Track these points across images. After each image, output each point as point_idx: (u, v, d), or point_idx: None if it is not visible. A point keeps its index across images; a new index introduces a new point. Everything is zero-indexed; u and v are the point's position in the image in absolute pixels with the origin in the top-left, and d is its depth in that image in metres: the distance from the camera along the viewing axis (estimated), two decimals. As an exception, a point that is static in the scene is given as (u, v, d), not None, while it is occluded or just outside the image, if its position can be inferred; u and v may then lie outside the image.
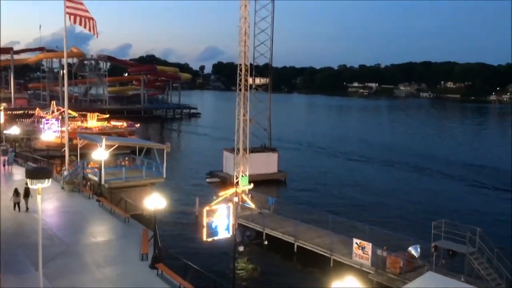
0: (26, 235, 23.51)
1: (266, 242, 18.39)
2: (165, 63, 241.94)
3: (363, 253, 22.87)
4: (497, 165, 58.29)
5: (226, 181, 43.87)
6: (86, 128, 58.40)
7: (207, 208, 16.39)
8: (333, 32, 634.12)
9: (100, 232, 25.21)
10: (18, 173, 35.71)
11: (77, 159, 35.47)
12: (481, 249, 20.72)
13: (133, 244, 23.26)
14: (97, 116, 63.72)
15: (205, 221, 15.83)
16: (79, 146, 34.84)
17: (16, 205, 27.17)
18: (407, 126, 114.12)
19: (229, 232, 16.32)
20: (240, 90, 31.70)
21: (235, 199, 16.84)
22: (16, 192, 27.13)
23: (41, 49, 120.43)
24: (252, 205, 25.39)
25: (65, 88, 33.20)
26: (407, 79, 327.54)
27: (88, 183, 32.70)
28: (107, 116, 70.32)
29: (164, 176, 33.08)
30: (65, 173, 32.63)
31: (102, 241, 23.85)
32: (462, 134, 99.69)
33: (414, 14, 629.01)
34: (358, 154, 63.31)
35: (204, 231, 15.97)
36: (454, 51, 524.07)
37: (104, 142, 30.02)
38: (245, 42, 30.85)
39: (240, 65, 31.50)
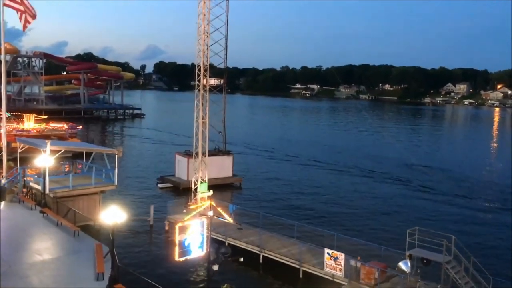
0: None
1: (242, 259, 16.89)
2: (104, 61, 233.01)
3: (336, 263, 21.83)
4: (440, 166, 60.09)
5: (179, 187, 41.89)
6: (23, 130, 54.07)
7: (179, 224, 14.60)
8: (276, 33, 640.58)
9: (47, 248, 22.53)
10: None
11: (15, 165, 32.16)
12: (456, 257, 20.24)
13: (85, 262, 20.89)
14: (35, 117, 59.25)
15: (177, 238, 14.03)
16: (18, 151, 31.56)
17: None
18: (352, 128, 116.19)
19: (203, 250, 14.61)
20: (199, 91, 29.79)
21: (210, 213, 15.30)
22: None
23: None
24: (229, 220, 23.69)
25: (3, 87, 29.91)
26: (347, 81, 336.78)
27: (30, 192, 29.60)
28: (45, 117, 65.89)
29: (116, 183, 30.61)
30: (3, 180, 29.36)
31: (50, 259, 21.25)
32: (405, 136, 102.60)
33: (352, 17, 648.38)
34: (308, 157, 62.99)
35: (176, 250, 14.19)
36: (391, 55, 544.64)
37: (48, 147, 27.18)
38: (204, 40, 29.04)
39: (199, 65, 29.60)
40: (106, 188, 30.68)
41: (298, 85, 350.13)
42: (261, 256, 24.98)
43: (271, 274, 24.16)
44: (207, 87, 29.85)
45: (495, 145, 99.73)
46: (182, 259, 14.69)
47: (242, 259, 16.67)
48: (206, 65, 29.65)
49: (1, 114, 31.61)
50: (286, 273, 23.76)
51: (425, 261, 20.41)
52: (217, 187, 39.35)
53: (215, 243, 16.03)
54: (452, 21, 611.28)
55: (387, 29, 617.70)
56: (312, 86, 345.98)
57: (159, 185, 43.18)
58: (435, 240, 20.43)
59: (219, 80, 42.90)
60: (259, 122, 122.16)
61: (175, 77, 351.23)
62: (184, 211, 27.56)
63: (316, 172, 53.88)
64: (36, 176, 30.22)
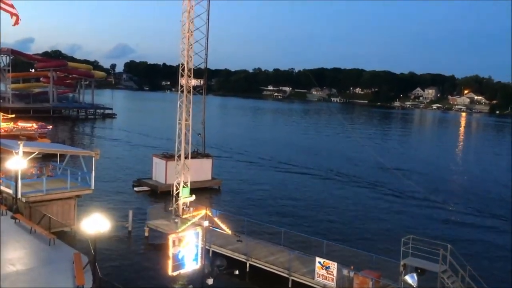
0: None
1: (237, 272, 15.93)
2: (72, 59, 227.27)
3: (327, 273, 21.10)
4: (419, 170, 60.59)
5: (156, 190, 40.54)
6: (-11, 129, 51.44)
7: (173, 235, 13.54)
8: (248, 34, 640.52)
9: (20, 258, 20.97)
10: None
11: (-16, 167, 30.18)
12: (452, 266, 19.80)
13: (63, 273, 19.51)
14: (2, 116, 56.56)
15: (171, 251, 12.97)
16: (-13, 152, 29.63)
17: None
18: (326, 130, 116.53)
19: (197, 263, 13.59)
20: (182, 92, 28.61)
21: (205, 223, 14.29)
22: None
23: None
24: (226, 230, 22.58)
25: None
26: (319, 84, 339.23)
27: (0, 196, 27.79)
28: (13, 116, 63.13)
29: (93, 187, 29.08)
30: (-30, 184, 27.48)
31: (24, 270, 19.74)
32: (380, 138, 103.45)
33: (324, 20, 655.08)
34: (284, 160, 62.31)
35: (170, 263, 13.12)
36: (362, 59, 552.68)
37: (21, 149, 25.51)
38: (188, 39, 27.91)
39: (182, 64, 28.43)
40: (82, 192, 29.14)
41: (270, 87, 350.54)
42: (247, 265, 24.04)
43: (258, 284, 23.25)
44: (191, 88, 28.72)
45: (464, 148, 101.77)
46: (176, 273, 13.63)
47: (237, 272, 15.72)
48: (190, 65, 28.50)
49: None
50: (274, 282, 22.92)
51: (419, 270, 19.90)
52: (196, 190, 38.18)
53: (209, 256, 15.09)
54: (420, 26, 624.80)
55: (358, 32, 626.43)
56: (284, 88, 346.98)
57: (136, 189, 41.67)
58: (429, 248, 19.95)
59: (199, 81, 41.68)
60: (232, 124, 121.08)
61: (145, 76, 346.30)
62: (176, 220, 26.32)
63: (293, 176, 53.19)
64: (6, 179, 28.39)
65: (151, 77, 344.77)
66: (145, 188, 41.46)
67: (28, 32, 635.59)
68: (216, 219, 20.89)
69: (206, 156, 43.82)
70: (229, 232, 23.37)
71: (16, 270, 19.55)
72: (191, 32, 28.11)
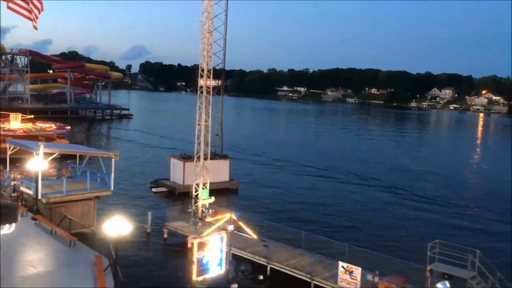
0: None
1: (261, 277, 15.58)
2: (89, 60, 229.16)
3: (351, 278, 20.62)
4: (441, 172, 59.60)
5: (174, 191, 40.43)
6: (9, 130, 51.91)
7: (198, 240, 13.24)
8: (263, 35, 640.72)
9: (41, 260, 20.86)
10: None
11: (4, 168, 30.33)
12: (480, 273, 19.19)
13: (83, 275, 19.30)
14: (21, 116, 57.07)
15: (195, 256, 12.67)
16: (8, 153, 29.75)
17: None
18: (343, 132, 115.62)
19: (221, 268, 13.28)
20: (201, 92, 28.36)
21: (230, 227, 13.98)
22: None
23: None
24: (252, 235, 22.23)
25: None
26: (334, 85, 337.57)
27: (20, 197, 27.83)
28: (31, 116, 63.64)
29: (112, 188, 28.99)
30: (-9, 185, 27.60)
31: (45, 272, 19.61)
32: (399, 140, 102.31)
33: (339, 21, 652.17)
34: (301, 161, 61.77)
35: (194, 268, 12.82)
36: (377, 59, 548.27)
37: (42, 150, 25.50)
38: (207, 39, 27.65)
39: (202, 65, 28.18)
40: (101, 194, 29.06)
41: (285, 88, 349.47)
42: (268, 268, 23.63)
43: (277, 286, 22.84)
44: (210, 89, 28.46)
45: (482, 149, 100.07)
46: (200, 278, 13.33)
47: (261, 277, 15.36)
48: (210, 65, 28.24)
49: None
50: (296, 286, 22.49)
51: (446, 276, 19.34)
52: (214, 191, 37.91)
53: (234, 260, 14.77)
54: (437, 26, 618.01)
55: (373, 32, 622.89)
56: (299, 88, 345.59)
57: (153, 190, 41.59)
58: (457, 254, 19.36)
59: (217, 82, 41.46)
60: (248, 125, 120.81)
61: (161, 77, 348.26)
62: (200, 224, 26.07)
63: (310, 178, 52.59)
64: (26, 180, 28.43)
65: (166, 77, 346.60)
66: (163, 189, 41.36)
67: (45, 33, 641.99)
68: (241, 223, 20.50)
69: (224, 157, 43.58)
70: (255, 236, 22.89)
71: (37, 272, 19.43)
72: (211, 32, 27.84)
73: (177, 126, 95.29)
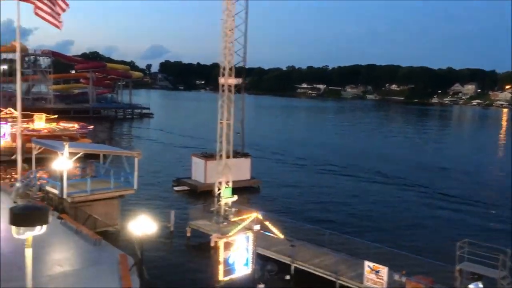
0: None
1: (288, 277, 15.42)
2: (109, 60, 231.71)
3: (377, 277, 20.29)
4: (465, 169, 58.50)
5: (196, 190, 40.53)
6: (33, 130, 52.77)
7: (224, 239, 13.15)
8: (282, 32, 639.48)
9: (67, 258, 21.07)
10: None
11: (30, 167, 30.78)
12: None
13: (109, 274, 19.39)
14: (45, 116, 57.97)
15: (221, 256, 12.57)
16: (34, 153, 30.17)
17: None
18: (365, 129, 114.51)
19: (248, 268, 13.15)
20: (223, 91, 28.30)
21: (256, 226, 13.88)
22: None
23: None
24: (278, 234, 22.09)
25: (18, 86, 28.55)
26: (353, 81, 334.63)
27: (46, 196, 28.18)
28: (55, 116, 64.59)
29: (135, 187, 29.16)
30: (18, 184, 27.97)
31: (71, 271, 19.80)
32: (422, 137, 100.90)
33: (358, 17, 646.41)
34: (322, 159, 61.41)
35: (221, 268, 12.72)
36: (397, 55, 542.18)
37: (67, 150, 25.77)
38: (229, 37, 27.54)
39: (224, 63, 28.10)
40: (125, 193, 29.27)
41: (304, 85, 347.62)
42: (292, 267, 23.41)
43: (301, 286, 22.61)
44: (232, 87, 28.37)
45: (507, 146, 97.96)
46: (227, 278, 13.24)
47: (288, 277, 15.20)
48: (231, 63, 28.14)
49: (12, 114, 30.24)
50: (320, 286, 22.24)
51: (476, 276, 18.88)
52: (235, 190, 37.86)
53: (260, 260, 14.65)
54: (458, 21, 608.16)
55: (394, 29, 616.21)
56: (318, 86, 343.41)
57: (175, 188, 41.78)
58: (487, 254, 18.87)
59: (238, 80, 41.30)
60: (267, 123, 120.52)
61: (180, 76, 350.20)
62: (225, 223, 26.04)
63: (331, 176, 52.18)
64: (51, 179, 28.78)
65: (185, 76, 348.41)
66: (185, 188, 41.51)
67: (67, 34, 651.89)
68: (267, 223, 20.35)
69: (245, 155, 43.46)
70: (281, 236, 22.68)
71: (63, 271, 19.62)
72: (232, 30, 27.73)
73: (197, 124, 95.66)
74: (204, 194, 37.70)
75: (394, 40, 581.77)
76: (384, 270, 20.11)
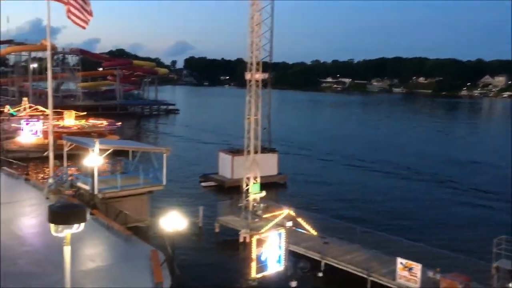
0: (6, 258, 19.67)
1: (321, 274, 15.21)
2: (135, 57, 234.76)
3: (410, 274, 19.88)
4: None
5: (223, 185, 40.59)
6: (63, 127, 53.76)
7: (257, 236, 13.02)
8: (306, 26, 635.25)
9: (99, 254, 21.38)
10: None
11: (61, 164, 31.33)
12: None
13: (141, 270, 19.54)
14: (75, 114, 59.00)
15: (254, 253, 12.44)
16: (65, 149, 30.68)
17: None
18: (394, 123, 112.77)
19: (280, 265, 13.00)
20: (250, 86, 28.16)
21: (289, 223, 13.72)
22: None
23: (9, 42, 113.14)
24: (311, 231, 21.92)
25: (49, 84, 29.07)
26: (379, 75, 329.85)
27: (77, 192, 28.62)
28: (84, 113, 65.66)
29: (164, 183, 29.35)
30: (50, 180, 28.51)
31: (104, 266, 20.07)
32: (453, 131, 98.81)
33: (384, 10, 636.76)
34: (350, 154, 60.60)
35: (253, 265, 12.60)
36: (424, 47, 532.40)
37: (97, 147, 26.10)
38: (256, 32, 27.34)
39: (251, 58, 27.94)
40: (154, 189, 29.51)
41: (329, 79, 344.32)
42: (322, 264, 23.11)
43: (334, 284, 22.34)
44: (260, 82, 28.20)
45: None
46: (260, 275, 13.12)
47: (321, 274, 14.99)
48: (258, 58, 27.96)
49: (44, 112, 30.80)
50: (351, 283, 21.92)
51: (514, 273, 18.29)
52: (262, 185, 37.70)
53: (292, 257, 14.50)
54: (487, 12, 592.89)
55: (420, 20, 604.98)
56: (343, 79, 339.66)
57: (202, 184, 41.95)
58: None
59: (265, 75, 41.07)
60: (292, 118, 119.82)
61: (205, 72, 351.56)
62: (256, 220, 25.99)
63: (359, 171, 51.51)
64: (83, 176, 29.21)
65: (210, 72, 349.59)
66: (212, 183, 41.63)
67: (93, 32, 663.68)
68: (300, 220, 20.14)
69: (272, 150, 43.27)
70: (314, 233, 22.42)
71: (96, 266, 19.90)
72: (259, 24, 27.52)
73: (222, 120, 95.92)
74: (231, 190, 37.68)
75: (421, 32, 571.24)
76: (418, 267, 19.70)
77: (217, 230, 28.85)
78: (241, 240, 26.57)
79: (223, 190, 39.73)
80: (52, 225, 8.69)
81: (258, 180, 28.92)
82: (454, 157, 61.03)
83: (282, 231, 13.21)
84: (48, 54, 30.31)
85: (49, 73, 28.68)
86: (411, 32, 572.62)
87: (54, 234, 9.00)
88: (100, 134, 52.83)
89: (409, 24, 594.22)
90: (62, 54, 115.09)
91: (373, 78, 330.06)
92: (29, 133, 49.49)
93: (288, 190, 42.03)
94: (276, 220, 21.24)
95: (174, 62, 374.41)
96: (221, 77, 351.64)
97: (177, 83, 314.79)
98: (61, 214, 8.49)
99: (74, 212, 8.61)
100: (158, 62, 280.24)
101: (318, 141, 72.94)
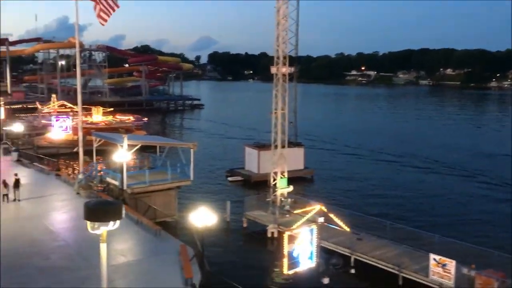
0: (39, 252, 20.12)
1: (353, 271, 15.00)
2: (160, 53, 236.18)
3: (444, 271, 19.42)
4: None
5: (250, 180, 40.54)
6: (91, 123, 54.57)
7: (288, 232, 12.88)
8: (330, 19, 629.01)
9: (130, 248, 21.58)
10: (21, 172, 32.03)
11: (91, 160, 31.78)
12: None
13: (170, 265, 19.67)
14: (102, 110, 59.80)
15: (286, 249, 12.30)
16: (94, 145, 31.09)
17: (5, 197, 26.29)
18: (418, 115, 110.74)
19: (312, 261, 12.82)
20: (277, 80, 27.93)
21: (321, 219, 13.56)
22: (4, 184, 26.02)
23: (37, 39, 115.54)
24: (344, 227, 21.70)
25: (78, 81, 29.46)
26: (405, 67, 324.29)
27: (107, 188, 28.98)
28: (111, 109, 66.49)
29: (192, 178, 29.44)
30: (80, 176, 28.94)
31: (134, 261, 20.26)
32: (484, 123, 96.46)
33: (408, 1, 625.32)
34: (377, 148, 59.67)
35: (285, 262, 12.46)
36: (451, 38, 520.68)
37: (126, 142, 26.32)
38: (282, 25, 27.06)
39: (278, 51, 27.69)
40: (182, 184, 29.68)
41: (354, 72, 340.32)
42: (352, 259, 22.83)
43: (364, 280, 22.02)
44: (286, 76, 27.95)
45: None
46: (291, 271, 12.99)
47: (353, 271, 14.77)
48: (285, 52, 27.69)
49: (73, 109, 31.22)
50: (382, 278, 21.54)
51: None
52: (289, 180, 37.49)
53: (324, 254, 14.30)
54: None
55: (446, 11, 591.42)
56: (368, 72, 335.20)
57: (229, 179, 42.00)
58: None
59: (291, 68, 40.77)
60: (318, 111, 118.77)
61: (228, 66, 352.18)
62: (287, 215, 25.87)
63: (386, 165, 50.74)
64: (112, 171, 29.55)
65: (233, 66, 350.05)
66: (238, 178, 41.62)
67: (119, 29, 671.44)
68: (332, 216, 19.90)
69: (298, 145, 43.01)
70: (347, 229, 22.11)
71: (127, 260, 20.09)
72: (286, 17, 27.23)
73: (247, 115, 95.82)
74: (257, 185, 37.57)
75: (448, 23, 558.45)
76: (452, 264, 19.22)
77: (244, 225, 28.82)
78: (269, 235, 26.49)
79: (250, 185, 39.67)
80: (88, 223, 8.72)
81: (286, 174, 28.72)
82: (485, 150, 59.53)
83: (314, 227, 13.03)
84: (76, 51, 30.72)
85: (78, 71, 29.09)
86: (437, 23, 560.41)
87: (91, 231, 9.04)
88: (128, 130, 53.35)
89: (435, 15, 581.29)
90: (88, 51, 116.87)
91: (399, 70, 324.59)
92: (59, 129, 50.45)
93: (314, 184, 41.73)
94: (308, 216, 20.98)
95: (198, 57, 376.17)
96: (245, 72, 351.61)
97: (201, 78, 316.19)
98: (97, 212, 8.52)
99: (110, 209, 8.64)
100: (182, 58, 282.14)
101: (344, 134, 72.14)
